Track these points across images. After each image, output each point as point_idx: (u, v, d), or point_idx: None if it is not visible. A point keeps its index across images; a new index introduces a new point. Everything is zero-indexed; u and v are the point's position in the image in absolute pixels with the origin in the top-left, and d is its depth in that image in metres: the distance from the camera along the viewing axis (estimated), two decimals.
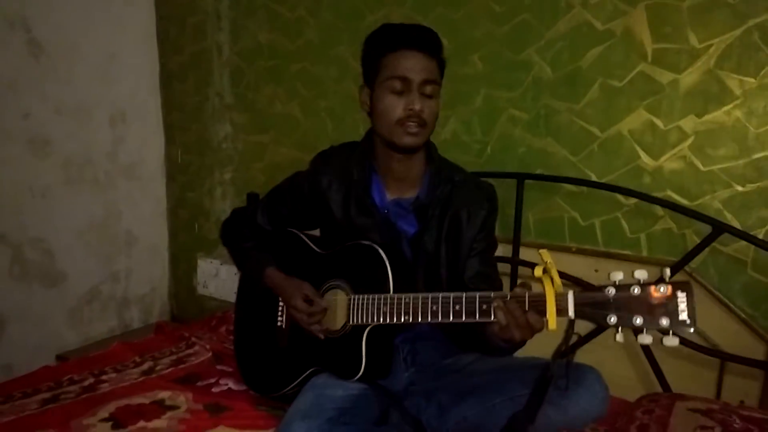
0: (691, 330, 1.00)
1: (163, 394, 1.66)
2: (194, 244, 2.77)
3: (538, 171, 1.89)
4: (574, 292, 1.08)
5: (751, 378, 1.64)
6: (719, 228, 1.59)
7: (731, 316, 1.64)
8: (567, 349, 1.18)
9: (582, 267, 1.81)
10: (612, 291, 1.05)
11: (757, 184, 1.59)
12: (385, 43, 1.37)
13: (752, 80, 1.57)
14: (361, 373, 1.36)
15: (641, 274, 1.03)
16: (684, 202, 1.68)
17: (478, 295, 1.19)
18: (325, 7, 2.26)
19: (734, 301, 1.64)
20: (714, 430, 1.36)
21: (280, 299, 1.54)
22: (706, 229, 1.61)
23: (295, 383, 1.49)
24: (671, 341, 1.01)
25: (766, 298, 1.62)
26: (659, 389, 1.72)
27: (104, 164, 2.60)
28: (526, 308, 1.13)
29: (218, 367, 1.86)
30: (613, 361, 1.74)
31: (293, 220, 1.60)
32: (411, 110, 1.32)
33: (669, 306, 1.00)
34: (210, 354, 1.94)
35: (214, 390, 1.71)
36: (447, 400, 1.41)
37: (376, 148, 1.46)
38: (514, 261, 1.91)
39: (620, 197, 1.76)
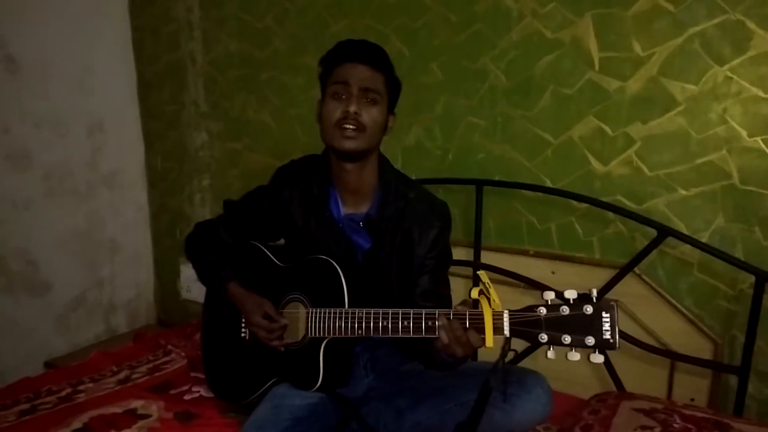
0: (615, 348, 1.07)
1: (137, 403, 1.72)
2: (177, 249, 2.83)
3: (497, 177, 1.93)
4: (509, 312, 1.14)
5: (701, 376, 1.69)
6: (664, 231, 1.64)
7: (680, 317, 1.69)
8: (504, 364, 1.25)
9: (540, 269, 1.87)
10: (543, 311, 1.11)
11: (701, 188, 1.64)
12: (334, 58, 1.44)
13: (694, 87, 1.61)
14: (318, 384, 1.43)
15: (571, 294, 1.10)
16: (632, 206, 1.73)
17: (424, 312, 1.25)
18: (292, 17, 2.30)
19: (682, 302, 1.70)
20: (654, 430, 1.42)
21: None
22: (654, 232, 1.66)
23: (257, 393, 1.55)
24: (597, 358, 1.08)
25: (712, 298, 1.67)
26: (615, 388, 1.78)
27: (84, 174, 2.66)
28: (467, 326, 1.19)
29: (192, 374, 1.92)
30: (572, 361, 1.79)
31: (254, 233, 1.65)
32: (347, 112, 1.38)
33: (594, 325, 1.07)
34: (185, 361, 2.01)
35: (186, 398, 1.78)
36: (404, 405, 1.47)
37: (330, 160, 1.50)
38: (476, 265, 1.96)
39: (574, 202, 1.81)
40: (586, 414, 1.52)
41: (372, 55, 1.43)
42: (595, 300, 1.08)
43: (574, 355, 1.09)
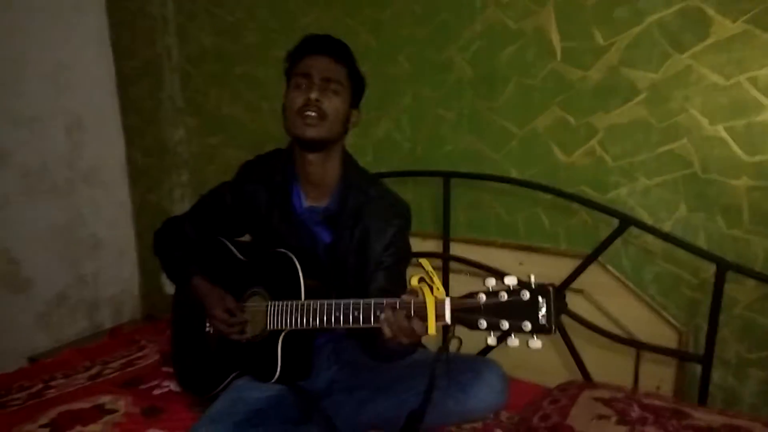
0: (551, 332, 1.06)
1: (105, 399, 1.75)
2: None
3: (465, 168, 1.93)
4: (451, 299, 1.14)
5: (667, 365, 1.69)
6: (626, 221, 1.64)
7: (644, 306, 1.69)
8: (446, 350, 1.25)
9: (507, 260, 1.87)
10: (483, 298, 1.11)
11: (663, 177, 1.63)
12: (297, 52, 1.47)
13: (654, 75, 1.59)
14: (276, 376, 1.44)
15: (510, 280, 1.09)
16: (596, 195, 1.72)
17: (373, 302, 1.26)
18: (262, 9, 2.30)
19: (647, 291, 1.69)
20: (610, 419, 1.42)
21: None
22: (617, 222, 1.65)
23: (220, 387, 1.57)
24: (535, 344, 1.07)
25: (676, 287, 1.66)
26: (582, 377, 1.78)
27: (63, 171, 2.67)
28: (411, 315, 1.20)
29: (164, 369, 1.94)
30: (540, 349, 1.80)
31: (219, 229, 1.67)
32: (308, 99, 1.40)
33: (530, 310, 1.07)
34: (158, 356, 2.02)
35: (155, 392, 1.80)
36: (365, 396, 1.49)
37: (294, 152, 1.51)
38: (445, 257, 1.96)
39: (540, 192, 1.80)
40: (546, 404, 1.53)
41: (334, 47, 1.46)
42: (533, 286, 1.08)
43: (513, 341, 1.09)
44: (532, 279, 1.09)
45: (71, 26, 2.65)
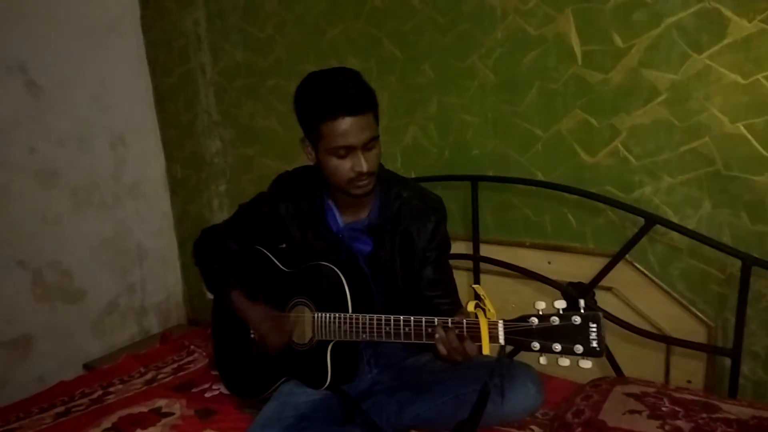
0: (601, 356, 1.17)
1: (161, 402, 1.86)
2: None
3: (491, 172, 1.98)
4: (504, 322, 1.23)
5: (697, 359, 1.72)
6: (651, 220, 1.67)
7: (673, 302, 1.72)
8: (501, 368, 1.33)
9: (536, 260, 1.92)
10: (535, 321, 1.20)
11: (686, 175, 1.66)
12: (319, 111, 1.39)
13: (674, 76, 1.62)
14: (327, 384, 1.53)
15: (560, 304, 1.18)
16: (621, 195, 1.76)
17: (424, 320, 1.34)
18: (290, 25, 2.38)
19: (674, 287, 1.72)
20: (642, 414, 1.47)
21: None
22: (642, 220, 1.69)
23: (269, 391, 1.66)
24: (585, 364, 1.18)
25: (703, 283, 1.69)
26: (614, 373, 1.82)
27: (110, 186, 2.81)
28: (464, 337, 1.28)
29: (213, 372, 2.04)
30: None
31: (258, 239, 1.73)
32: (361, 174, 1.42)
33: (582, 335, 1.16)
34: (207, 361, 2.14)
35: (207, 395, 1.91)
36: (405, 398, 1.57)
37: (330, 184, 1.53)
38: (476, 258, 2.02)
39: (565, 193, 1.85)
40: (579, 400, 1.58)
41: (361, 102, 1.38)
42: (582, 311, 1.16)
43: (564, 361, 1.19)
44: (582, 304, 1.16)
45: (110, 47, 2.78)
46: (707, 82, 1.58)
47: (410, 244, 1.56)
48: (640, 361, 1.79)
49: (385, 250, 1.56)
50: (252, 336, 1.70)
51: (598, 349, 1.16)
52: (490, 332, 1.24)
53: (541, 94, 1.85)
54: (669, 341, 1.72)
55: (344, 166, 1.42)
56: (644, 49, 1.65)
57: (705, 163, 1.63)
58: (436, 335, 1.30)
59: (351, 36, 2.20)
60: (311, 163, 1.53)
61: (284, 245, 1.72)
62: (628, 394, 1.56)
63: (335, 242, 1.58)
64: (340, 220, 1.59)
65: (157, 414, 1.79)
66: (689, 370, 1.74)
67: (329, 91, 1.37)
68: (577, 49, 1.75)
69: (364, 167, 1.41)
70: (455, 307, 1.56)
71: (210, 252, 1.76)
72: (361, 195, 1.48)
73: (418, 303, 1.57)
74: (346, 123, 1.36)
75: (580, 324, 1.16)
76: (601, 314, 1.16)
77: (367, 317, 1.41)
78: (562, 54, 1.78)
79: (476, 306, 1.27)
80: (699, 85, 1.59)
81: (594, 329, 1.15)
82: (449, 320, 1.30)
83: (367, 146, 1.41)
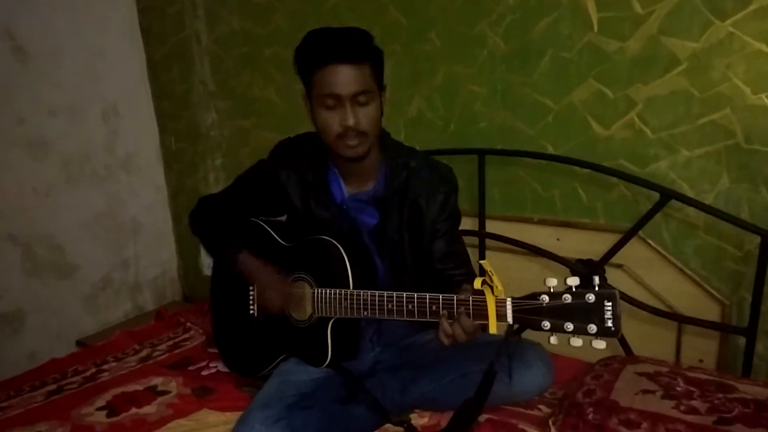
0: (617, 336, 1.10)
1: (157, 380, 1.81)
2: None
3: (499, 145, 1.92)
4: (512, 300, 1.16)
5: (710, 338, 1.68)
6: (667, 195, 1.61)
7: (686, 279, 1.67)
8: (508, 348, 1.27)
9: (544, 236, 1.86)
10: (546, 299, 1.14)
11: (705, 148, 1.60)
12: (312, 58, 1.36)
13: (695, 44, 1.55)
14: (327, 361, 1.48)
15: (573, 281, 1.11)
16: (635, 169, 1.70)
17: (428, 296, 1.28)
18: None
19: (688, 264, 1.67)
20: (655, 394, 1.42)
21: (251, 289, 1.64)
22: (657, 195, 1.63)
23: (268, 368, 1.61)
24: (599, 344, 1.11)
25: (719, 260, 1.64)
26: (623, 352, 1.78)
27: (102, 158, 2.72)
28: (470, 315, 1.22)
29: (209, 350, 1.99)
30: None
31: (258, 207, 1.66)
32: (346, 127, 1.35)
33: (596, 314, 1.09)
34: (203, 338, 2.08)
35: (203, 373, 1.86)
36: (408, 377, 1.52)
37: (331, 149, 1.47)
38: (481, 234, 1.96)
39: (576, 167, 1.78)
40: (589, 379, 1.53)
41: (354, 49, 1.34)
42: (597, 288, 1.09)
43: (576, 341, 1.12)
44: (596, 281, 1.10)
45: (102, 15, 2.66)
46: (730, 50, 1.51)
47: (419, 216, 1.50)
48: (650, 340, 1.75)
49: (391, 223, 1.50)
50: (251, 312, 1.64)
51: (613, 329, 1.09)
52: (497, 310, 1.17)
53: (553, 63, 1.77)
54: (682, 319, 1.68)
55: (332, 119, 1.36)
56: (664, 16, 1.57)
57: (725, 136, 1.56)
58: (441, 313, 1.25)
59: (354, 2, 2.11)
60: (313, 128, 1.47)
61: (284, 217, 1.66)
62: (641, 374, 1.52)
63: (338, 213, 1.52)
64: (345, 190, 1.53)
65: (153, 392, 1.75)
66: (701, 349, 1.70)
67: (325, 39, 1.36)
68: (594, 16, 1.68)
69: (350, 121, 1.34)
70: (469, 277, 1.49)
71: (210, 219, 1.66)
72: (353, 158, 1.41)
73: (427, 277, 1.52)
74: (335, 70, 1.32)
75: (594, 302, 1.09)
76: (617, 292, 1.10)
77: (369, 293, 1.35)
78: (578, 21, 1.70)
79: (483, 283, 1.20)
80: (721, 53, 1.52)
81: (609, 308, 1.09)
82: (454, 297, 1.24)
83: (358, 100, 1.34)
